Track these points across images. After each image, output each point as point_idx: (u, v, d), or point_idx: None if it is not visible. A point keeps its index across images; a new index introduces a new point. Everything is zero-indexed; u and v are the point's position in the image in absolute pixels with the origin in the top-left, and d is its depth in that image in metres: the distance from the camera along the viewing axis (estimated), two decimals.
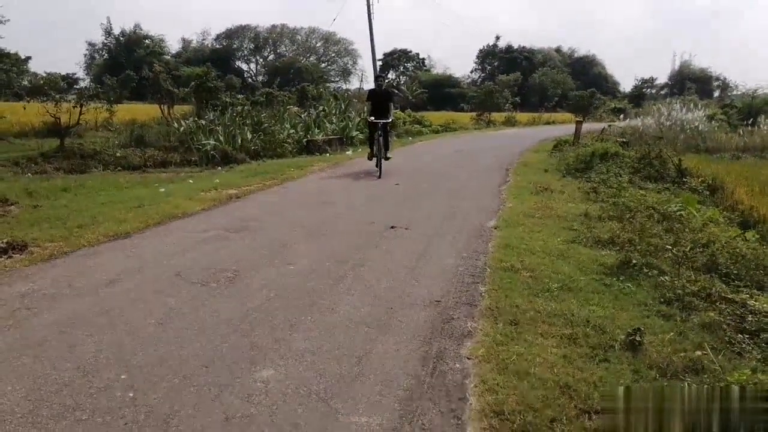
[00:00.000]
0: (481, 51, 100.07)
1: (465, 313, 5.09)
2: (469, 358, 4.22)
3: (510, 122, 48.75)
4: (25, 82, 30.72)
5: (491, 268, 6.41)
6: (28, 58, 43.27)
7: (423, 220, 9.02)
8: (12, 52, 26.46)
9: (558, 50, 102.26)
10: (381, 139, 14.37)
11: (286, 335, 4.54)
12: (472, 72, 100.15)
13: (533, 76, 76.81)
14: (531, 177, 14.19)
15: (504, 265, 6.43)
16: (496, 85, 53.54)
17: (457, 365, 4.13)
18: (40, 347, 4.26)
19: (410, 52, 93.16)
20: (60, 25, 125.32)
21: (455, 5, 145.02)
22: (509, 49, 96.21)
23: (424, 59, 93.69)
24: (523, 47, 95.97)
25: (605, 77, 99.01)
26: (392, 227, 8.44)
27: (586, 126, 27.46)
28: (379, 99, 14.65)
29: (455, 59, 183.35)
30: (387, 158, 14.67)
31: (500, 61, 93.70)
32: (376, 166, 14.44)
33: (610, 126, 29.19)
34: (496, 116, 49.40)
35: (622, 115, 37.77)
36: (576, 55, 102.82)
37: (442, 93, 72.51)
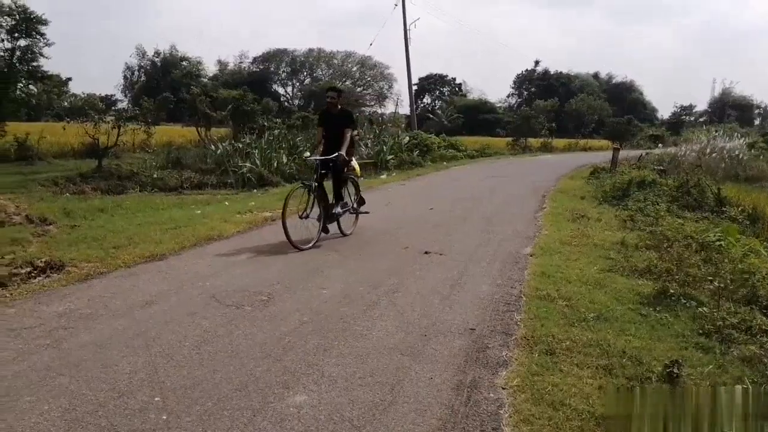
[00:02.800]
0: (518, 76, 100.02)
1: (500, 342, 5.02)
2: (503, 388, 4.14)
3: (546, 148, 48.51)
4: (65, 103, 31.39)
5: (527, 296, 6.32)
6: (69, 79, 44.28)
7: (457, 246, 8.97)
8: (54, 73, 27.07)
9: (595, 76, 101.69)
10: (319, 188, 9.08)
11: (318, 360, 4.51)
12: (508, 97, 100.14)
13: (570, 102, 76.41)
14: (567, 204, 14.05)
15: (540, 294, 6.34)
16: (532, 111, 53.35)
17: (492, 395, 4.05)
18: (76, 367, 4.29)
19: (446, 76, 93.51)
20: (99, 47, 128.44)
21: (493, 30, 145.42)
22: (546, 74, 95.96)
23: (460, 84, 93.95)
24: (560, 72, 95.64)
25: (643, 103, 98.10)
26: (426, 252, 8.40)
27: (623, 153, 27.21)
28: (332, 124, 9.54)
29: (491, 84, 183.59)
30: (342, 231, 9.70)
31: (537, 86, 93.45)
32: (292, 244, 8.48)
33: (647, 153, 28.87)
34: (533, 142, 49.20)
35: (660, 143, 37.35)
36: (614, 80, 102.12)
37: (478, 118, 72.42)
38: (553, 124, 52.26)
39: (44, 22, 24.62)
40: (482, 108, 79.09)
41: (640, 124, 62.30)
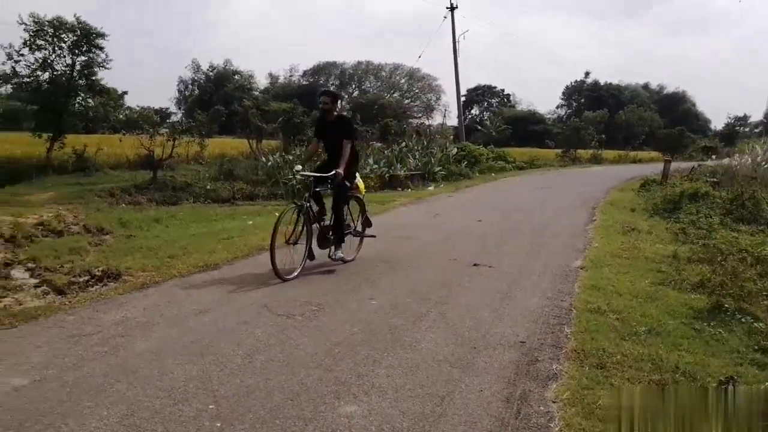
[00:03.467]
0: (567, 87, 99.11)
1: (550, 355, 4.99)
2: (554, 401, 4.12)
3: (596, 160, 47.86)
4: (121, 116, 32.34)
5: (577, 309, 6.27)
6: (125, 92, 45.52)
7: (507, 258, 8.93)
8: (111, 87, 28.01)
9: (646, 87, 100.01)
10: (312, 208, 7.89)
11: (369, 371, 4.55)
12: (557, 108, 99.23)
13: (620, 113, 75.23)
14: (618, 216, 13.85)
15: (590, 307, 6.27)
16: (581, 122, 52.76)
17: (542, 408, 4.03)
18: (133, 374, 4.41)
19: (494, 87, 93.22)
20: (154, 61, 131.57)
21: (542, 41, 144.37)
22: (596, 85, 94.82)
23: (508, 95, 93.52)
24: (610, 84, 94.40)
25: (695, 115, 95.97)
26: (475, 264, 8.39)
27: (675, 165, 26.67)
28: (328, 134, 8.33)
29: (540, 95, 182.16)
30: (335, 257, 8.18)
31: (586, 97, 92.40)
32: (277, 274, 7.23)
33: (699, 165, 28.25)
34: (582, 153, 48.62)
35: (713, 155, 36.51)
36: (665, 91, 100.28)
37: (527, 129, 71.88)
38: (603, 136, 51.55)
39: (102, 35, 25.47)
40: (531, 119, 78.47)
41: (693, 136, 60.92)
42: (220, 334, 5.34)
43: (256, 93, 70.55)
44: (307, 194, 7.79)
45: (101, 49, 25.49)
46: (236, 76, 76.23)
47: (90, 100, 26.87)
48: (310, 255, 7.81)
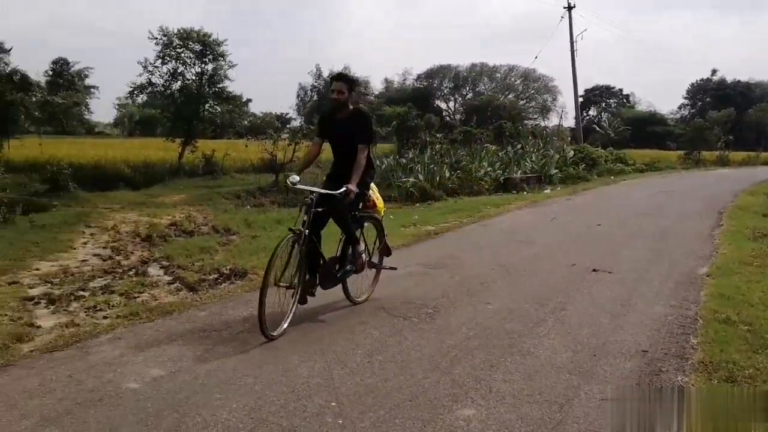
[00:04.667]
0: (692, 86, 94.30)
1: (675, 366, 4.82)
2: None
3: (722, 162, 45.31)
4: (245, 122, 33.82)
5: (703, 319, 6.01)
6: (249, 100, 47.56)
7: (627, 264, 8.67)
8: (236, 94, 29.49)
9: None
10: (311, 237, 5.81)
11: (486, 375, 4.57)
12: (680, 108, 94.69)
13: (749, 112, 70.84)
14: (747, 221, 13.10)
15: (718, 317, 6.00)
16: (705, 122, 50.13)
17: None
18: (259, 369, 4.62)
19: (613, 88, 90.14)
20: (277, 70, 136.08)
21: (663, 39, 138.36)
22: (722, 83, 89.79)
23: (627, 95, 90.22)
24: (738, 81, 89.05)
25: None
26: (594, 270, 8.19)
27: None
28: (338, 134, 6.27)
29: (661, 95, 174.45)
30: (352, 298, 6.47)
31: (712, 96, 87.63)
32: (263, 332, 5.23)
33: None
34: (706, 155, 46.14)
35: None
36: None
37: (646, 130, 69.06)
38: (730, 137, 48.77)
39: (219, 43, 26.90)
40: (651, 120, 75.29)
41: None
42: (339, 333, 5.50)
43: (371, 97, 71.64)
44: (305, 216, 5.65)
45: (224, 57, 26.85)
46: None
47: (217, 107, 28.29)
48: (302, 299, 5.79)
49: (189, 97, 26.73)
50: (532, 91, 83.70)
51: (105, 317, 6.22)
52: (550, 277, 7.87)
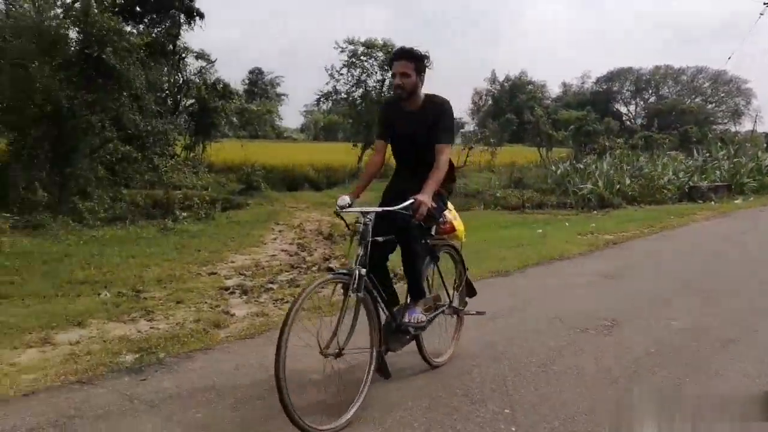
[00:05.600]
0: None
1: None
2: None
3: None
4: None
5: None
6: None
7: None
8: None
9: None
10: (374, 278, 4.08)
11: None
12: None
13: None
14: None
15: None
16: None
17: None
18: (432, 370, 4.70)
19: None
20: (451, 74, 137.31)
21: None
22: None
23: None
24: None
25: None
26: None
27: None
28: (406, 132, 4.51)
29: None
30: (428, 359, 4.72)
31: None
32: (288, 412, 3.45)
33: None
34: None
35: None
36: None
37: None
38: None
39: None
40: None
41: None
42: (513, 341, 5.45)
43: (548, 101, 70.36)
44: (360, 251, 3.94)
45: None
46: (529, 86, 76.61)
47: None
48: (383, 370, 4.15)
49: (370, 103, 27.86)
50: (722, 94, 78.13)
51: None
52: (741, 295, 7.29)
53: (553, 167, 22.63)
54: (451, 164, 4.55)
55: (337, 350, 3.82)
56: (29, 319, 6.03)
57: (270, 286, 7.90)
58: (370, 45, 27.44)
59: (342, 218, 4.16)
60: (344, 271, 3.98)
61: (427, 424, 3.82)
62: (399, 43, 29.96)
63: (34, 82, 12.41)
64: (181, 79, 24.53)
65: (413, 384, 4.45)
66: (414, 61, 4.30)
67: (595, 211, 16.86)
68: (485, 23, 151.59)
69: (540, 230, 12.38)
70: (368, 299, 4.00)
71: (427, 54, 4.30)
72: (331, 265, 3.15)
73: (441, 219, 4.62)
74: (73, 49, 13.67)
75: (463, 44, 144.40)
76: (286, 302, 6.85)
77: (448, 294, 4.98)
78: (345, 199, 4.18)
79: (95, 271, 8.44)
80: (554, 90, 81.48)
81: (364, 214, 4.00)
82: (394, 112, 4.57)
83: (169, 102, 23.57)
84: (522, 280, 7.89)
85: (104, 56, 13.00)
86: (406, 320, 4.33)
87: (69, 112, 12.91)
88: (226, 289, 7.68)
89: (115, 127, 14.55)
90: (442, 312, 4.83)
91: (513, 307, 6.53)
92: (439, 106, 4.41)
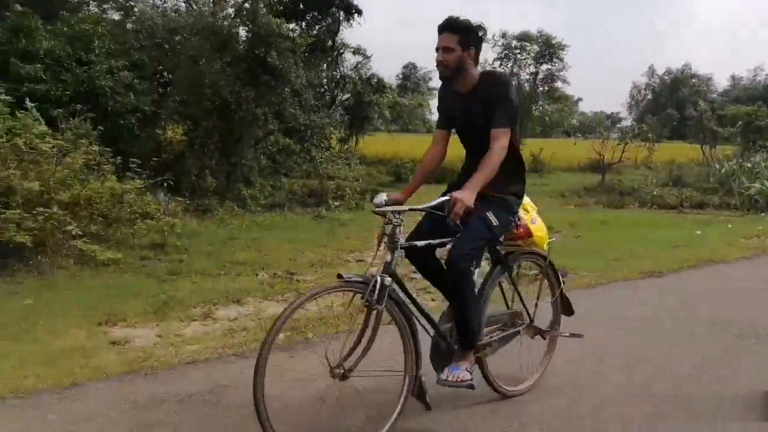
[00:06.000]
0: None
1: None
2: None
3: None
4: (574, 121, 33.84)
5: None
6: (579, 99, 47.19)
7: None
8: (567, 94, 29.91)
9: None
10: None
11: None
12: None
13: None
14: None
15: None
16: None
17: None
18: (569, 368, 4.67)
19: None
20: (610, 67, 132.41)
21: None
22: None
23: None
24: None
25: None
26: None
27: None
28: (464, 117, 3.82)
29: None
30: (501, 389, 3.98)
31: None
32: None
33: None
34: None
35: None
36: None
37: None
38: None
39: (563, 48, 27.23)
40: None
41: None
42: (665, 341, 5.30)
43: (714, 95, 66.18)
44: (388, 256, 3.40)
45: (561, 60, 27.33)
46: (693, 80, 72.42)
47: (547, 107, 28.88)
48: (420, 394, 3.58)
49: (522, 97, 27.52)
50: None
51: (432, 299, 6.72)
52: None
53: (717, 165, 21.29)
54: (520, 161, 3.88)
55: (341, 371, 3.30)
56: (194, 295, 6.55)
57: (414, 275, 8.07)
58: (523, 38, 27.16)
59: (384, 216, 3.45)
60: (359, 278, 3.35)
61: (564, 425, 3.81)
62: (554, 33, 29.38)
63: (205, 77, 13.37)
64: (339, 74, 25.47)
65: (464, 416, 3.83)
66: (459, 32, 3.58)
67: (762, 213, 15.72)
68: (647, 12, 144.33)
69: (698, 231, 11.76)
70: (397, 314, 3.46)
71: (478, 25, 3.66)
72: (340, 272, 2.79)
73: (514, 216, 3.86)
74: (241, 47, 14.56)
75: (621, 35, 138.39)
76: (429, 292, 6.72)
77: (527, 311, 4.23)
78: (381, 197, 3.66)
79: (255, 254, 9.00)
80: (721, 84, 76.50)
81: (396, 213, 3.40)
82: (446, 96, 3.93)
83: (327, 97, 24.52)
84: (675, 282, 7.60)
85: (269, 59, 13.77)
86: (444, 377, 3.56)
87: (236, 106, 13.80)
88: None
89: (277, 121, 15.38)
90: (518, 332, 4.13)
91: (664, 308, 6.31)
92: (493, 85, 3.69)
